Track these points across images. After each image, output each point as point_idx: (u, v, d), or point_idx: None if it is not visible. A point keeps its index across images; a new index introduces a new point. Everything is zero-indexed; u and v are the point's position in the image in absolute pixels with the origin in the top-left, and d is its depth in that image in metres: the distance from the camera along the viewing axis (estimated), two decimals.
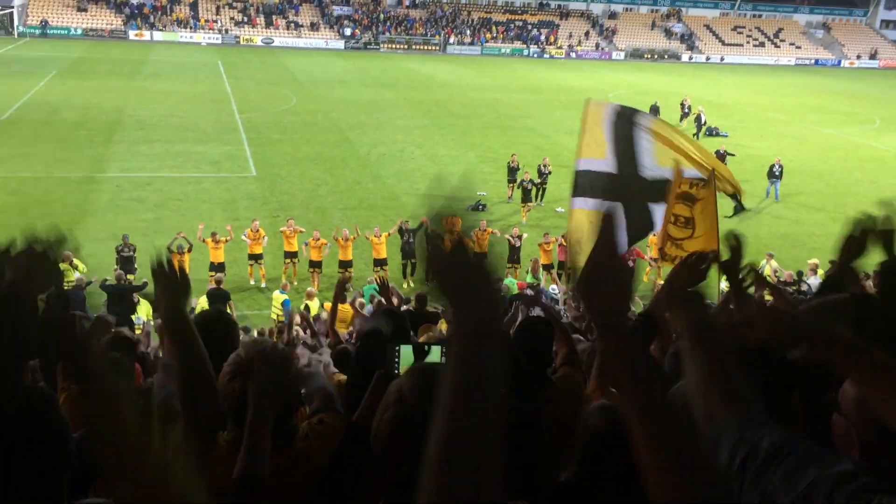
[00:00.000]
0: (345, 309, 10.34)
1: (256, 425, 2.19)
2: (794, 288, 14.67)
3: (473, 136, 33.86)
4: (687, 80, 59.05)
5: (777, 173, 25.60)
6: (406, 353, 2.16)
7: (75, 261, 15.43)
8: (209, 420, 2.33)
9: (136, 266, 16.77)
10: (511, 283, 16.01)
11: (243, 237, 17.69)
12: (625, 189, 9.33)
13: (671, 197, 9.68)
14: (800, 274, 17.13)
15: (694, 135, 34.74)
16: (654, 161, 9.33)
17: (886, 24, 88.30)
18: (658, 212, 9.34)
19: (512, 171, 23.91)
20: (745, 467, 1.40)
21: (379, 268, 17.60)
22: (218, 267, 16.80)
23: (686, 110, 39.00)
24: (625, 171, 9.37)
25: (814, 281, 16.60)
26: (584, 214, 9.46)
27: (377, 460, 1.72)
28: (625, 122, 9.42)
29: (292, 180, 25.49)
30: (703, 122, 35.41)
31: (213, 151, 28.63)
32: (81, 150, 27.46)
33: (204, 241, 17.10)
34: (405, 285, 17.58)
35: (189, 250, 16.55)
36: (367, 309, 11.73)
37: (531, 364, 3.72)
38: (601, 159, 9.46)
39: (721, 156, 26.82)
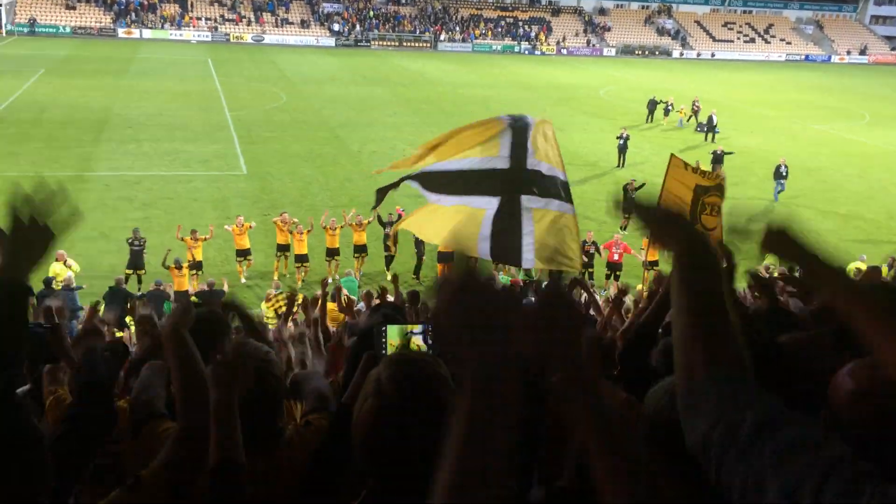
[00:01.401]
0: (332, 307, 10.30)
1: (221, 410, 2.13)
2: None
3: None
4: (678, 76, 59.18)
5: (784, 174, 24.90)
6: (393, 333, 2.15)
7: (69, 260, 15.41)
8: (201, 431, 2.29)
9: (144, 261, 16.93)
10: (504, 280, 16.00)
11: (227, 228, 17.80)
12: (512, 185, 8.74)
13: (691, 188, 9.67)
14: (790, 270, 17.17)
15: (706, 137, 34.30)
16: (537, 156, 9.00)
17: (876, 19, 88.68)
18: (527, 221, 8.78)
19: None
20: (724, 447, 1.26)
21: (359, 255, 17.93)
22: (197, 265, 16.83)
23: (669, 107, 38.81)
24: (515, 166, 8.77)
25: None
26: (441, 209, 8.99)
27: (358, 450, 1.72)
28: (521, 132, 9.08)
29: (283, 178, 25.41)
30: (714, 124, 34.55)
31: (202, 150, 28.51)
32: (69, 148, 27.30)
33: (182, 239, 17.07)
34: (388, 276, 17.66)
35: (188, 266, 16.45)
36: (360, 306, 11.67)
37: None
38: (491, 157, 8.95)
39: (719, 156, 26.70)
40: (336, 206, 20.71)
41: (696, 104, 38.21)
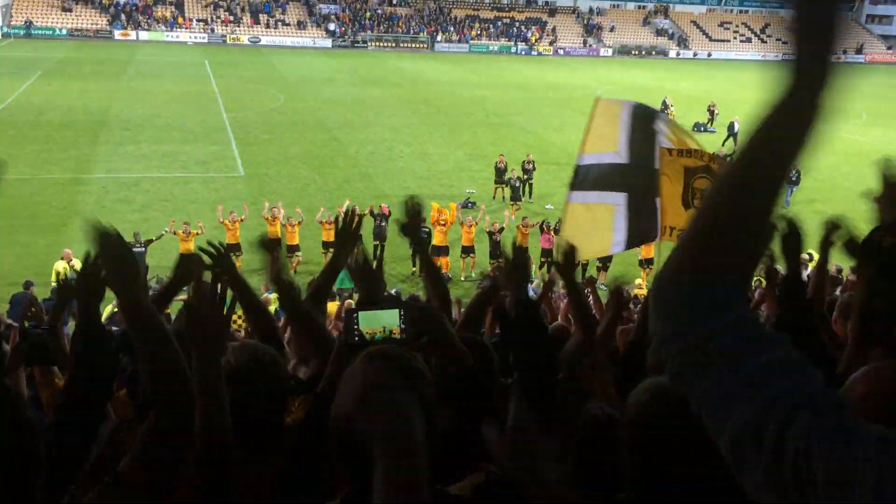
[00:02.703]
0: (332, 309, 10.31)
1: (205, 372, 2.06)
2: None
3: (462, 134, 33.83)
4: (675, 76, 59.21)
5: (794, 178, 23.99)
6: (365, 318, 2.10)
7: (74, 260, 15.53)
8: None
9: (146, 264, 16.87)
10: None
11: (219, 219, 18.22)
12: (635, 179, 9.06)
13: (676, 170, 9.57)
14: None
15: (724, 143, 32.45)
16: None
17: (872, 18, 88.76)
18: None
19: (500, 172, 23.78)
20: (686, 361, 1.11)
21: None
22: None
23: (712, 116, 38.10)
24: (638, 162, 9.09)
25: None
26: (582, 208, 9.27)
27: (337, 448, 1.69)
28: (645, 121, 9.28)
29: (281, 180, 25.40)
30: (735, 131, 32.47)
31: (200, 151, 28.49)
32: (67, 151, 27.27)
33: (175, 233, 17.50)
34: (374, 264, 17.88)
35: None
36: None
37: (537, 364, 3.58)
38: (610, 152, 9.20)
39: (721, 158, 26.28)
40: (334, 207, 20.65)
41: (713, 107, 38.04)
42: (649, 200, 9.08)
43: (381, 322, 2.07)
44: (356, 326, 2.06)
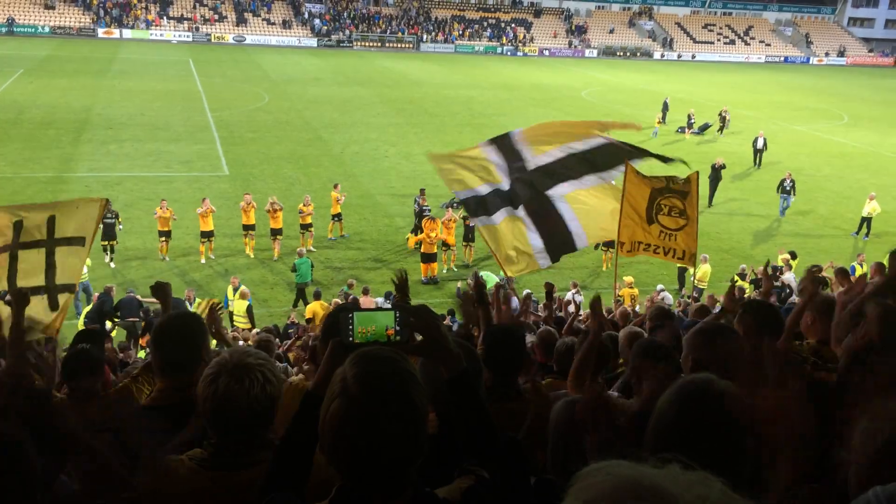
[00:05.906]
0: (315, 307, 10.30)
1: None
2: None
3: (447, 134, 33.83)
4: (660, 77, 59.52)
5: (788, 188, 23.99)
6: (360, 319, 2.10)
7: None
8: None
9: (116, 232, 17.93)
10: (488, 276, 15.97)
11: (198, 211, 18.94)
12: (524, 196, 9.47)
13: (647, 194, 9.76)
14: (775, 269, 17.29)
15: (755, 162, 31.25)
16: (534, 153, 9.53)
17: (854, 21, 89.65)
18: (563, 206, 9.42)
19: None
20: None
21: (334, 221, 20.56)
22: (166, 234, 18.42)
23: (724, 122, 37.52)
24: (518, 175, 9.52)
25: (788, 276, 16.77)
26: (493, 229, 9.65)
27: (327, 450, 1.69)
28: (503, 142, 9.79)
29: (265, 179, 25.31)
30: (759, 147, 31.16)
31: (184, 150, 28.32)
32: (49, 149, 27.02)
33: (158, 216, 18.46)
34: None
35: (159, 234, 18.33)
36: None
37: (501, 374, 3.64)
38: (477, 186, 9.57)
39: (717, 169, 25.66)
40: (318, 206, 20.64)
41: (725, 112, 37.46)
42: (550, 213, 9.42)
43: (376, 323, 2.07)
44: (351, 328, 2.07)
